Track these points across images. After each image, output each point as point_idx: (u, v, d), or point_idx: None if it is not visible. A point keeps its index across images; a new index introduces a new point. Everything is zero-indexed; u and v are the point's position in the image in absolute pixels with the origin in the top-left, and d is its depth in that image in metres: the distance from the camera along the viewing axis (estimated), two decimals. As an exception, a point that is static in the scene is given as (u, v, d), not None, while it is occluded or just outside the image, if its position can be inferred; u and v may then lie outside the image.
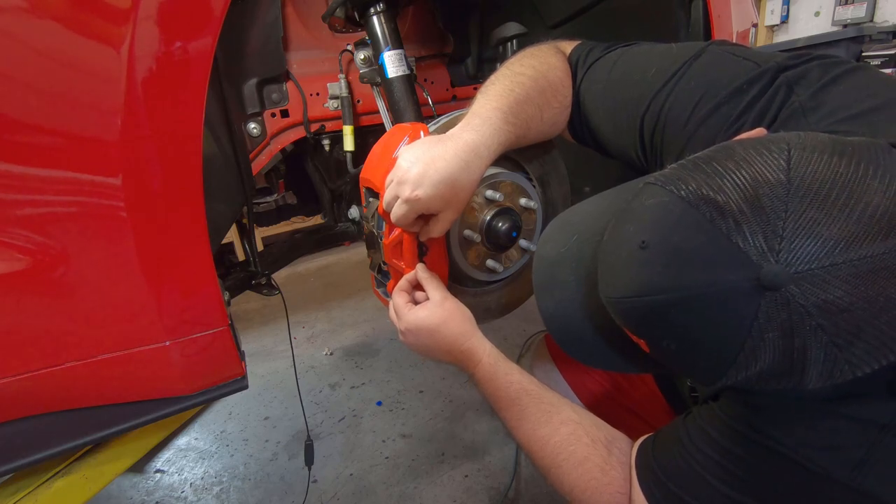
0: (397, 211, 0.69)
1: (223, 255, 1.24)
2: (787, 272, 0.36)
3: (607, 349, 0.59)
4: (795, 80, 0.56)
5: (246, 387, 0.88)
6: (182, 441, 1.79)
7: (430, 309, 0.74)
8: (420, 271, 0.78)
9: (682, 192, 0.41)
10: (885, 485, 0.47)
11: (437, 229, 0.71)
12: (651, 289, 0.42)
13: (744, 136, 0.50)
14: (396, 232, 0.78)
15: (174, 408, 0.82)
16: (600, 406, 1.01)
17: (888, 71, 3.52)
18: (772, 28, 5.19)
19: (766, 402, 0.53)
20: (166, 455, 1.73)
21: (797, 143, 0.40)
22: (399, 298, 0.78)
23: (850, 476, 0.48)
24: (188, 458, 1.70)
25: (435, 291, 0.75)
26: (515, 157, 0.86)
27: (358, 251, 3.23)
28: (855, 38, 3.73)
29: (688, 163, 0.44)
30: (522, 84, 0.71)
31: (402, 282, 0.79)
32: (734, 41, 1.08)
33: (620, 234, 0.47)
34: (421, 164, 0.66)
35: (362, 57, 1.00)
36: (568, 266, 0.60)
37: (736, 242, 0.38)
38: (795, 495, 0.51)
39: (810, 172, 0.38)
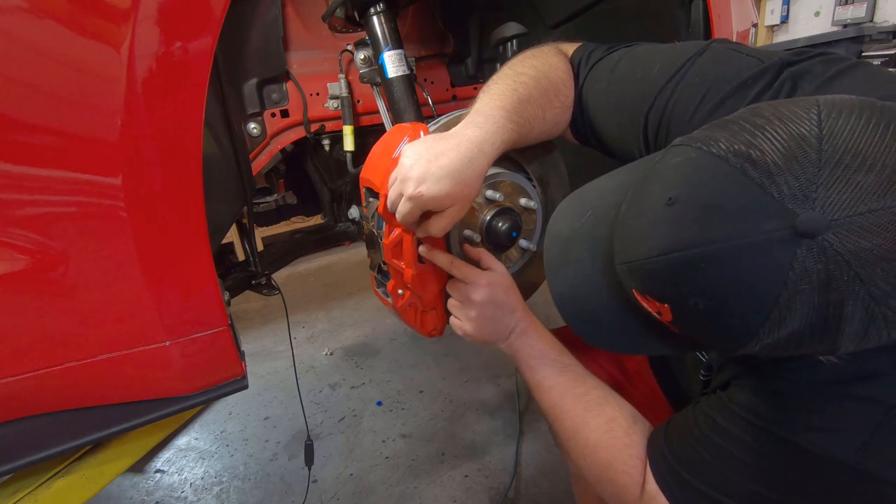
0: (401, 209, 0.68)
1: (223, 255, 1.24)
2: (825, 219, 0.36)
3: (623, 329, 0.58)
4: (800, 75, 0.56)
5: (246, 387, 0.88)
6: (182, 441, 1.79)
7: (501, 268, 0.79)
8: (469, 249, 0.82)
9: (713, 149, 0.41)
10: (890, 466, 0.47)
11: (441, 227, 0.70)
12: (679, 244, 0.41)
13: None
14: (396, 232, 0.78)
15: (174, 408, 0.82)
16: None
17: (888, 71, 3.52)
18: (772, 28, 5.19)
19: (776, 386, 0.53)
20: (166, 455, 1.73)
21: (825, 100, 0.40)
22: (464, 269, 0.78)
23: (855, 458, 0.48)
24: (188, 458, 1.70)
25: (495, 262, 0.80)
26: (516, 157, 0.86)
27: (358, 251, 3.23)
28: (855, 38, 3.73)
29: (713, 125, 0.44)
30: (525, 84, 0.71)
31: (452, 266, 0.79)
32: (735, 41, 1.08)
33: (644, 195, 0.46)
34: (424, 161, 0.65)
35: (362, 57, 1.00)
36: (582, 243, 0.59)
37: (770, 192, 0.37)
38: (800, 478, 0.52)
39: (841, 124, 0.37)
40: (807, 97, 0.42)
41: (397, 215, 0.70)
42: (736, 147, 0.40)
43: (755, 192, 0.38)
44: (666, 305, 0.45)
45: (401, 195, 0.68)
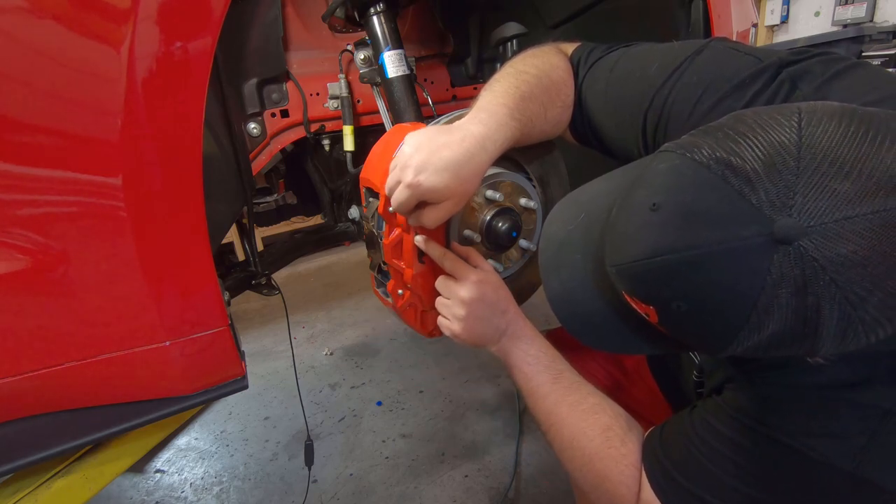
0: (398, 196, 0.67)
1: (223, 255, 1.25)
2: (801, 225, 0.36)
3: (616, 329, 0.59)
4: (799, 75, 0.56)
5: (246, 387, 0.88)
6: (182, 441, 1.79)
7: (489, 268, 0.78)
8: (457, 247, 0.80)
9: (696, 156, 0.42)
10: (886, 472, 0.47)
11: (434, 218, 0.69)
12: (662, 249, 0.42)
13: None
14: (396, 232, 0.78)
15: (174, 408, 0.82)
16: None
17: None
18: (772, 28, 5.19)
19: (770, 391, 0.53)
20: (166, 455, 1.73)
21: (807, 107, 0.41)
22: (455, 264, 0.77)
23: (852, 464, 0.48)
24: (188, 458, 1.70)
25: (483, 261, 0.79)
26: (516, 157, 0.86)
27: (358, 251, 3.23)
28: (855, 38, 3.73)
29: (699, 131, 0.45)
30: (527, 82, 0.71)
31: (444, 258, 0.78)
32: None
33: (631, 200, 0.47)
34: (425, 151, 0.65)
35: (362, 57, 1.00)
36: (575, 245, 0.60)
37: (749, 199, 0.38)
38: (797, 484, 0.52)
39: (821, 132, 0.38)
40: (790, 104, 0.42)
41: (392, 202, 0.69)
42: (718, 154, 0.40)
43: (734, 199, 0.39)
44: (651, 308, 0.46)
45: (399, 182, 0.67)
